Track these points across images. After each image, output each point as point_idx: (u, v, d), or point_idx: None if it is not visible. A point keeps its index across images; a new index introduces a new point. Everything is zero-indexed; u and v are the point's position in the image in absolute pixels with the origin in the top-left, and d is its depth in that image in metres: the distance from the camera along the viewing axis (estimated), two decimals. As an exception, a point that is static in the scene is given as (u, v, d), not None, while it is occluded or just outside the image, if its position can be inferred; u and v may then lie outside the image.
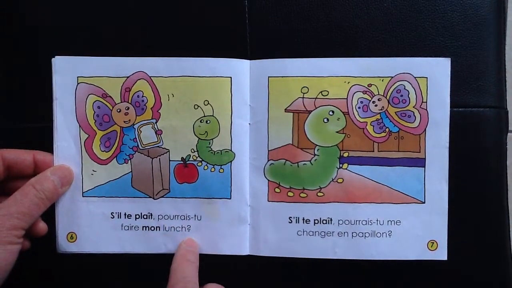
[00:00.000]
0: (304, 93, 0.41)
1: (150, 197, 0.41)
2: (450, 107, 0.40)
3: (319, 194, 0.41)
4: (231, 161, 0.41)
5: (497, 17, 0.41)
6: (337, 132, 0.41)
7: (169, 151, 0.41)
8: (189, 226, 0.41)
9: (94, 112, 0.41)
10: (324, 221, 0.41)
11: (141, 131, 0.41)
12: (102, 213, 0.41)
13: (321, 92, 0.41)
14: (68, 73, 0.41)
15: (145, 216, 0.41)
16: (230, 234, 0.41)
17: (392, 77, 0.40)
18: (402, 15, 0.40)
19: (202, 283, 0.38)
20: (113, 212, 0.41)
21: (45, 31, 0.41)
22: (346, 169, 0.41)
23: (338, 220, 0.41)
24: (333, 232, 0.41)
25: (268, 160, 0.41)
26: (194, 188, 0.41)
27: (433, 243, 0.41)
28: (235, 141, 0.41)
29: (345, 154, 0.41)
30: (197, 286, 0.37)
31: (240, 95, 0.41)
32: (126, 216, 0.41)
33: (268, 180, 0.41)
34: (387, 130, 0.41)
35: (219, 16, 0.41)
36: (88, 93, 0.41)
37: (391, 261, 0.41)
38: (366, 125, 0.41)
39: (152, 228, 0.41)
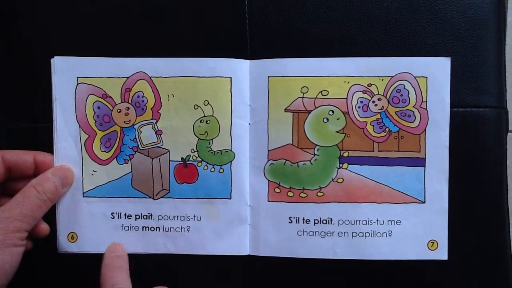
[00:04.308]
0: (304, 93, 0.40)
1: (150, 197, 0.41)
2: (450, 107, 0.40)
3: (319, 194, 0.41)
4: (231, 161, 0.41)
5: (497, 17, 0.41)
6: (337, 132, 0.41)
7: (169, 151, 0.41)
8: (188, 227, 0.41)
9: (94, 112, 0.41)
10: (324, 221, 0.41)
11: (141, 131, 0.41)
12: (103, 213, 0.41)
13: (321, 92, 0.40)
14: (68, 73, 0.41)
15: (145, 217, 0.41)
16: (230, 234, 0.41)
17: (392, 76, 0.40)
18: (402, 15, 0.40)
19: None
20: (113, 213, 0.41)
21: (45, 31, 0.41)
22: (346, 169, 0.41)
23: (338, 220, 0.41)
24: (333, 232, 0.41)
25: (268, 160, 0.41)
26: (194, 188, 0.41)
27: (433, 243, 0.41)
28: (235, 141, 0.41)
29: (345, 154, 0.41)
30: None
31: (240, 95, 0.41)
32: (126, 216, 0.41)
33: (268, 180, 0.41)
34: (387, 129, 0.41)
35: (219, 16, 0.41)
36: (88, 94, 0.41)
37: (391, 261, 0.41)
38: (366, 124, 0.41)
39: (152, 229, 0.41)
